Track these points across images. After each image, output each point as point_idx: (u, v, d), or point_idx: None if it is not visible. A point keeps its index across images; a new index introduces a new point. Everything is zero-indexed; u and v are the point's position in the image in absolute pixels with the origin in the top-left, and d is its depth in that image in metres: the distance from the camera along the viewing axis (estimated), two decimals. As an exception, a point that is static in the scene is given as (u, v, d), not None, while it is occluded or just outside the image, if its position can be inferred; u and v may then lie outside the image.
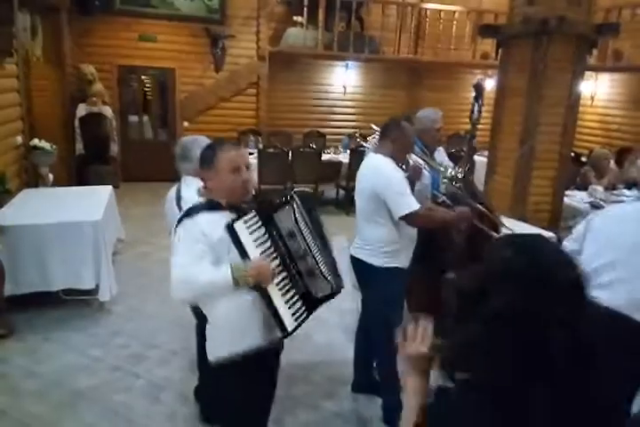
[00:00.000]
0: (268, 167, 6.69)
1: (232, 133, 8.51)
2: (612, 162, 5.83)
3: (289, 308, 1.91)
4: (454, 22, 8.94)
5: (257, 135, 8.41)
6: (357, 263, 2.74)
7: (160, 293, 4.12)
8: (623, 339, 1.10)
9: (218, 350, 1.95)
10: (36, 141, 5.23)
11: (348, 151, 7.25)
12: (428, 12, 9.15)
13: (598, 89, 9.47)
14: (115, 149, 7.86)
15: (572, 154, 5.98)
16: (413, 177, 2.76)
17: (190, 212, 1.87)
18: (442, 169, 3.06)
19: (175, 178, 2.75)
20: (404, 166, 2.73)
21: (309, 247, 2.03)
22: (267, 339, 1.97)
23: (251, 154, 7.20)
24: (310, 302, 2.01)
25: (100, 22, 7.89)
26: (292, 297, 1.94)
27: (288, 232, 1.95)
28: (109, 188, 5.04)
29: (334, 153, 7.86)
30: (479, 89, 3.30)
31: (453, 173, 2.98)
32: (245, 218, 1.81)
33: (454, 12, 9.02)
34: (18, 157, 5.10)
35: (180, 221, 1.87)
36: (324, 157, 7.33)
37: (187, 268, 1.78)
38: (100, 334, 3.67)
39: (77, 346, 3.48)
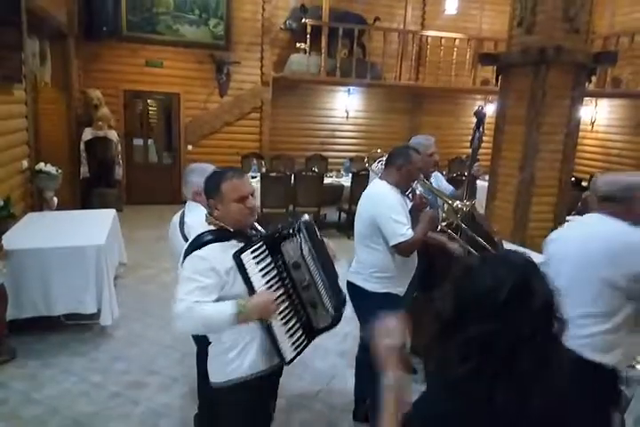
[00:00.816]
0: (270, 191, 6.73)
1: (235, 157, 8.60)
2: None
3: (289, 337, 1.93)
4: (455, 49, 9.09)
5: (260, 159, 8.49)
6: (351, 288, 2.75)
7: (161, 317, 4.12)
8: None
9: (218, 373, 1.97)
10: (41, 165, 5.29)
11: (350, 175, 7.31)
12: (429, 40, 9.33)
13: (598, 114, 9.56)
14: (119, 172, 7.93)
15: (573, 179, 6.02)
16: (418, 207, 2.76)
17: (198, 243, 1.86)
18: (449, 201, 3.08)
19: (179, 201, 2.78)
20: (410, 195, 2.74)
21: (313, 278, 2.04)
22: (267, 365, 1.98)
23: (253, 178, 7.27)
24: (310, 332, 2.03)
25: (107, 48, 8.07)
26: (293, 327, 1.96)
27: (294, 263, 1.97)
28: (113, 211, 5.07)
29: (336, 177, 7.92)
30: (480, 116, 3.33)
31: (460, 206, 3.00)
32: (253, 248, 1.85)
33: (455, 39, 9.19)
34: (23, 181, 5.16)
35: (188, 252, 1.87)
36: (326, 180, 7.38)
37: (189, 301, 1.77)
38: (101, 359, 3.65)
39: (77, 371, 3.46)
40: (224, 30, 8.62)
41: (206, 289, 1.80)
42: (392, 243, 2.52)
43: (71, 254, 3.80)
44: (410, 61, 9.55)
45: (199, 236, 1.90)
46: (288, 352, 1.92)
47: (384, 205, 2.57)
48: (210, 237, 1.87)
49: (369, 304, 2.69)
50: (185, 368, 3.44)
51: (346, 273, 2.84)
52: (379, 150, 3.45)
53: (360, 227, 2.71)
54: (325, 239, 2.23)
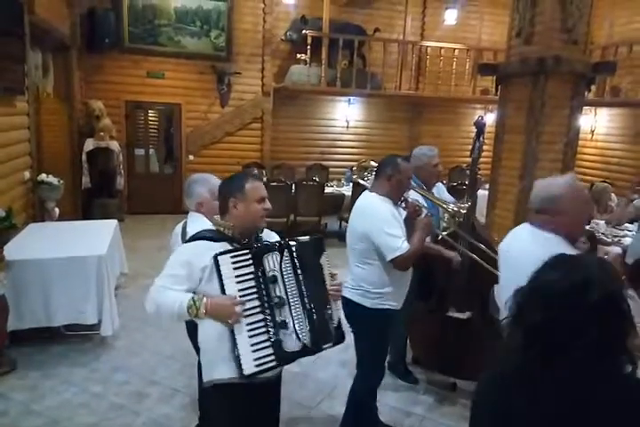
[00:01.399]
0: (271, 200, 6.66)
1: (236, 167, 8.62)
2: (614, 196, 5.86)
3: (253, 351, 1.88)
4: (454, 59, 9.16)
5: (261, 169, 8.51)
6: (348, 305, 2.63)
7: (162, 327, 4.10)
8: None
9: (207, 373, 2.00)
10: (43, 176, 5.31)
11: (351, 184, 7.32)
12: (429, 50, 9.41)
13: (598, 123, 9.60)
14: (121, 182, 7.96)
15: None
16: (412, 215, 2.65)
17: (192, 238, 2.03)
18: (444, 205, 3.05)
19: (180, 211, 2.80)
20: (402, 204, 2.65)
21: (288, 299, 1.98)
22: (237, 373, 1.93)
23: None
24: (281, 353, 1.94)
25: (109, 59, 8.14)
26: (260, 343, 1.90)
27: (271, 277, 1.95)
28: (114, 222, 5.08)
29: (337, 186, 7.94)
30: (480, 126, 3.34)
31: (456, 209, 2.97)
32: (235, 253, 1.88)
33: (454, 49, 9.26)
34: (25, 192, 5.17)
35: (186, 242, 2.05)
36: (327, 189, 7.40)
37: (157, 285, 1.93)
38: (101, 369, 3.64)
39: (78, 382, 3.45)
40: (225, 41, 8.69)
41: (175, 278, 1.91)
42: (389, 258, 2.45)
43: (72, 265, 3.80)
44: (410, 71, 9.62)
45: (196, 233, 2.03)
46: (247, 365, 1.86)
47: (376, 219, 2.49)
48: (203, 235, 1.98)
49: (366, 320, 2.64)
50: (186, 379, 3.42)
51: (346, 282, 2.83)
52: (367, 161, 3.45)
53: (353, 242, 2.63)
54: (327, 266, 2.14)
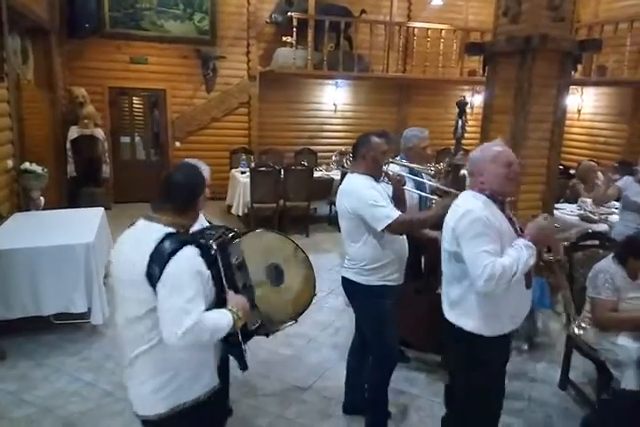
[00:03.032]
0: (260, 186, 6.70)
1: (224, 153, 8.55)
2: (600, 175, 5.88)
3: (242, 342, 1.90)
4: (441, 40, 9.08)
5: (249, 154, 8.44)
6: (345, 282, 2.75)
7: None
8: None
9: (162, 402, 1.76)
10: (26, 165, 5.22)
11: (340, 168, 7.28)
12: (416, 31, 9.32)
13: (584, 102, 9.60)
14: (107, 170, 7.87)
15: (561, 167, 6.04)
16: (397, 186, 2.72)
17: (174, 248, 1.65)
18: (424, 169, 3.09)
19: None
20: (385, 179, 2.71)
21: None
22: (216, 379, 1.90)
23: (243, 173, 7.24)
24: (245, 336, 1.94)
25: (91, 45, 7.97)
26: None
27: (237, 264, 1.93)
28: (101, 209, 5.03)
29: (326, 170, 7.90)
30: (462, 105, 3.34)
31: (434, 169, 2.99)
32: (215, 249, 1.79)
33: (441, 30, 9.17)
34: (8, 181, 5.09)
35: (166, 259, 1.63)
36: (316, 174, 7.36)
37: (197, 312, 1.63)
38: (93, 358, 3.62)
39: (69, 371, 3.44)
40: (209, 25, 8.54)
41: (201, 295, 1.67)
42: (380, 227, 2.47)
43: (60, 253, 3.76)
44: (397, 53, 9.53)
45: (162, 243, 1.66)
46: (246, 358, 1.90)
47: (359, 195, 2.54)
48: (180, 239, 1.70)
49: (364, 297, 2.69)
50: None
51: (337, 266, 2.84)
52: (344, 148, 3.45)
53: (343, 223, 2.69)
54: None
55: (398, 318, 2.74)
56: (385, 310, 2.65)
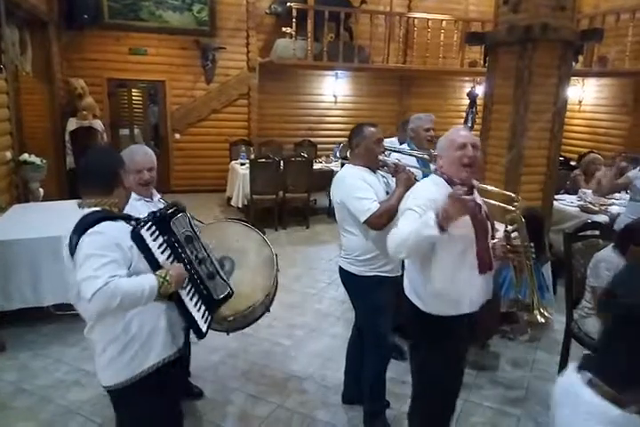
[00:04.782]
0: (259, 177, 6.69)
1: (223, 144, 8.53)
2: (604, 168, 5.86)
3: (197, 311, 1.95)
4: (442, 31, 9.02)
5: (248, 145, 8.42)
6: (341, 272, 2.76)
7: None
8: None
9: (121, 371, 1.86)
10: (25, 156, 5.21)
11: (340, 160, 7.27)
12: (416, 22, 9.26)
13: (585, 94, 9.56)
14: (106, 162, 7.84)
15: (562, 158, 6.02)
16: (396, 175, 2.63)
17: (89, 221, 1.76)
18: (419, 155, 3.08)
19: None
20: (385, 168, 2.68)
21: (206, 251, 2.10)
22: (175, 347, 1.97)
23: (242, 164, 7.23)
24: (212, 304, 2.05)
25: (89, 36, 7.92)
26: (198, 301, 1.97)
27: (186, 237, 1.98)
28: (100, 201, 5.01)
29: (326, 162, 7.88)
30: (473, 96, 3.33)
31: (429, 155, 2.96)
32: (147, 226, 1.83)
33: (442, 20, 9.10)
34: (7, 173, 5.08)
35: (78, 231, 1.75)
36: (316, 166, 7.35)
37: (105, 277, 1.66)
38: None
39: (69, 361, 3.45)
40: (208, 15, 8.48)
41: (117, 263, 1.72)
42: (362, 220, 2.48)
43: (59, 244, 3.69)
44: (397, 44, 9.48)
45: (85, 216, 1.80)
46: (202, 326, 1.94)
47: (347, 187, 2.55)
48: (100, 216, 1.79)
49: (359, 287, 2.70)
50: (177, 355, 3.43)
51: (336, 257, 2.85)
52: (346, 141, 3.45)
53: (337, 214, 2.70)
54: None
55: (399, 309, 2.73)
56: (379, 300, 2.64)
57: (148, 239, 1.82)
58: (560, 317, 3.72)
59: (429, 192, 2.10)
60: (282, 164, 6.86)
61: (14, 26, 5.93)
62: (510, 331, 3.90)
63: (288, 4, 8.20)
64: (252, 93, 8.99)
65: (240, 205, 7.08)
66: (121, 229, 1.78)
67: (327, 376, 3.33)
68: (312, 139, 9.26)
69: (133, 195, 2.47)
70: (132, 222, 1.83)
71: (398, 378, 3.23)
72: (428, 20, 9.06)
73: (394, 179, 2.65)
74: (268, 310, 2.79)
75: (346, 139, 2.83)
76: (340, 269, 2.76)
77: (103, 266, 1.68)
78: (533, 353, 3.72)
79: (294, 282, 4.95)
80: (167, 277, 1.79)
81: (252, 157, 7.16)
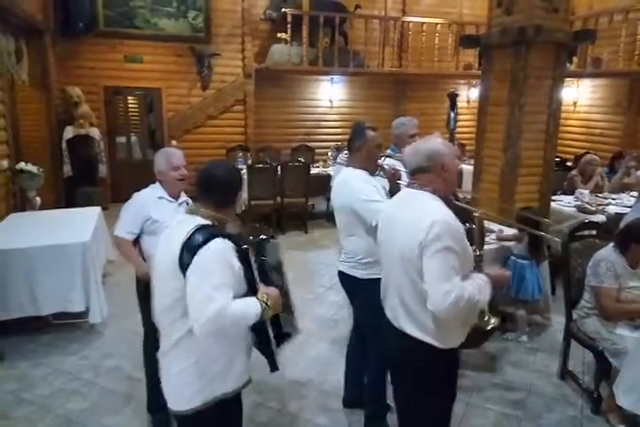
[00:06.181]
0: (257, 182, 6.69)
1: (220, 151, 8.54)
2: (600, 168, 5.87)
3: (274, 342, 1.90)
4: (437, 35, 9.07)
5: (245, 151, 8.43)
6: (342, 277, 2.75)
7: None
8: None
9: (195, 395, 1.78)
10: (22, 165, 5.21)
11: (337, 164, 7.27)
12: (411, 26, 9.30)
13: (580, 95, 9.60)
14: (103, 170, 7.86)
15: (558, 159, 6.03)
16: (392, 180, 2.70)
17: (208, 236, 1.70)
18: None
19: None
20: (381, 173, 2.69)
21: (285, 282, 2.03)
22: (248, 375, 1.92)
23: (240, 170, 7.22)
24: (280, 339, 1.95)
25: (85, 44, 7.94)
26: (274, 332, 1.91)
27: (273, 266, 1.94)
28: (98, 209, 5.02)
29: (323, 166, 7.89)
30: (452, 97, 3.34)
31: None
32: (246, 246, 1.80)
33: (436, 24, 9.16)
34: (4, 182, 5.08)
35: (201, 244, 1.68)
36: (313, 170, 7.36)
37: (222, 300, 1.63)
38: (92, 356, 3.62)
39: (68, 370, 3.43)
40: (203, 22, 8.51)
41: (229, 285, 1.67)
42: (374, 222, 2.44)
43: (56, 253, 3.75)
44: (392, 48, 9.52)
45: (198, 229, 1.72)
46: (277, 357, 1.91)
47: (352, 190, 2.55)
48: (213, 231, 1.74)
49: (361, 291, 2.69)
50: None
51: (336, 262, 2.85)
52: (339, 143, 3.46)
53: (339, 217, 2.69)
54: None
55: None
56: (380, 303, 2.63)
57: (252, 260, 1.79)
58: (559, 317, 3.73)
59: (448, 214, 1.87)
60: (279, 169, 6.86)
61: (10, 34, 5.95)
62: (511, 328, 3.89)
63: (283, 9, 8.24)
64: (249, 99, 9.00)
65: (238, 211, 7.08)
66: (231, 248, 1.73)
67: (327, 381, 3.31)
68: (309, 144, 9.28)
69: (155, 193, 2.76)
70: (236, 241, 1.78)
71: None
72: (423, 23, 9.12)
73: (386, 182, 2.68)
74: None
75: (342, 143, 2.84)
76: (341, 273, 2.75)
77: (219, 287, 1.64)
78: (533, 354, 3.71)
79: (293, 287, 4.92)
80: (268, 302, 1.75)
81: (250, 162, 7.16)
